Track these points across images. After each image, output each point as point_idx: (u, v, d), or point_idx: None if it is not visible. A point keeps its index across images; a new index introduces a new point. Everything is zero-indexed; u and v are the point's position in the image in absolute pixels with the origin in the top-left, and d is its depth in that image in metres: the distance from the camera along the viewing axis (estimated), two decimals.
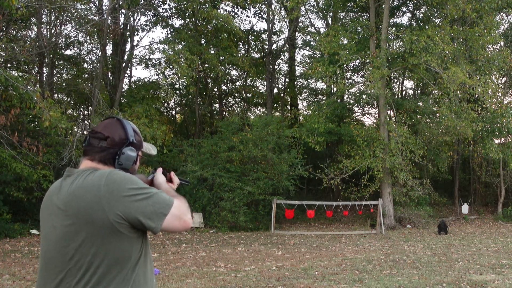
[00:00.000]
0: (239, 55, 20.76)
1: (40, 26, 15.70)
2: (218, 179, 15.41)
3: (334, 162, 18.48)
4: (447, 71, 14.93)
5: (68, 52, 19.66)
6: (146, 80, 21.07)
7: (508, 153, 17.85)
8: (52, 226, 1.66)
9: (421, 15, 20.80)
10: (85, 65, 20.54)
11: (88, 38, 18.83)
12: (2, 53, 12.74)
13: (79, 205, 1.59)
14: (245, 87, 23.87)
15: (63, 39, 17.84)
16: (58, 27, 17.68)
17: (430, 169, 19.90)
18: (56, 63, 18.71)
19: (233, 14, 20.29)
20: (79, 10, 16.48)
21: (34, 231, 13.04)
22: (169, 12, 19.74)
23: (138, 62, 20.48)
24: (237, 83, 24.45)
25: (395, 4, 20.14)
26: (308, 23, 24.75)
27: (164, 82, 18.04)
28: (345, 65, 18.52)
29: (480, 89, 15.52)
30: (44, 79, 16.92)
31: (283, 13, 22.24)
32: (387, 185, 16.65)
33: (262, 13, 22.09)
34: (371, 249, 10.97)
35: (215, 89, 23.32)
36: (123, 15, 16.67)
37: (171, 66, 16.96)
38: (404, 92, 24.38)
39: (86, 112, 21.85)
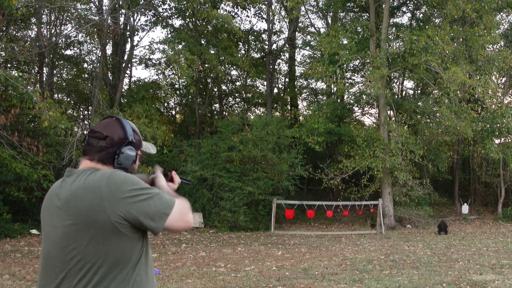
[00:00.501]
0: (239, 55, 20.75)
1: (40, 26, 15.70)
2: (218, 179, 15.41)
3: (334, 162, 18.49)
4: (447, 71, 14.93)
5: (68, 52, 19.71)
6: (146, 80, 21.10)
7: (508, 153, 17.84)
8: (53, 227, 1.66)
9: (421, 15, 20.80)
10: (85, 65, 20.58)
11: (88, 38, 18.85)
12: (2, 53, 12.75)
13: (80, 206, 1.59)
14: (245, 87, 23.87)
15: (63, 39, 17.85)
16: (58, 27, 17.70)
17: (430, 169, 19.90)
18: (56, 63, 18.72)
19: (233, 14, 20.30)
20: (79, 10, 16.50)
21: (34, 231, 13.04)
22: (169, 12, 19.76)
23: (138, 62, 20.50)
24: (237, 83, 24.46)
25: (395, 4, 20.14)
26: (308, 23, 24.78)
27: (164, 82, 18.04)
28: (345, 65, 18.52)
29: (480, 89, 15.52)
30: (44, 79, 16.92)
31: (283, 13, 22.25)
32: (387, 185, 16.65)
33: (262, 13, 22.10)
34: (371, 249, 10.97)
35: (215, 89, 23.32)
36: (123, 15, 16.67)
37: (171, 66, 16.95)
38: (404, 92, 24.39)
39: (86, 112, 21.87)
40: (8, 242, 11.62)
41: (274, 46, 22.90)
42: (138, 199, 1.57)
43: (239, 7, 19.92)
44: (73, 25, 17.32)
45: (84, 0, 16.19)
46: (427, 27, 16.78)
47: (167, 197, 1.63)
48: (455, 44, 16.99)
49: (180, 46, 17.20)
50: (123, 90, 18.48)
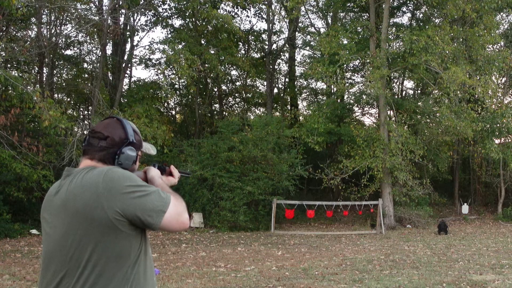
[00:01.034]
0: (239, 55, 20.75)
1: (40, 26, 15.70)
2: (218, 179, 15.41)
3: (334, 162, 18.48)
4: (447, 71, 14.93)
5: (68, 52, 19.71)
6: (146, 80, 21.10)
7: (508, 153, 17.84)
8: (53, 226, 1.66)
9: (421, 15, 20.81)
10: (85, 65, 20.57)
11: (88, 38, 18.85)
12: (2, 53, 12.74)
13: (78, 203, 1.59)
14: (245, 87, 23.87)
15: (63, 39, 17.86)
16: (58, 27, 17.71)
17: (430, 169, 19.90)
18: (56, 63, 18.72)
19: (233, 14, 20.30)
20: (79, 10, 16.49)
21: (34, 231, 13.04)
22: (169, 12, 19.77)
23: (138, 62, 20.51)
24: (237, 83, 24.46)
25: (395, 4, 20.14)
26: (308, 23, 24.77)
27: (165, 82, 18.04)
28: (345, 65, 18.52)
29: (480, 89, 15.52)
30: (44, 79, 16.92)
31: (283, 13, 22.25)
32: (387, 185, 16.65)
33: (262, 13, 22.10)
34: (371, 249, 10.97)
35: (215, 89, 23.33)
36: (123, 15, 16.67)
37: (171, 66, 16.96)
38: (404, 92, 24.40)
39: (86, 112, 21.86)
40: (8, 242, 11.62)
41: (274, 46, 22.91)
42: (135, 195, 1.58)
43: (239, 7, 19.92)
44: (73, 25, 17.32)
45: (84, 0, 16.19)
46: (427, 27, 16.78)
47: (163, 195, 1.63)
48: (455, 44, 16.99)
49: (180, 46, 17.19)
50: (123, 90, 18.48)
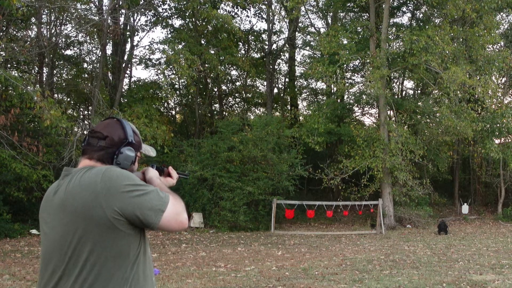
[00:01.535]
0: (239, 55, 20.75)
1: (40, 26, 15.70)
2: (218, 179, 15.41)
3: (334, 162, 18.48)
4: (447, 71, 14.93)
5: (68, 52, 19.70)
6: (146, 80, 21.10)
7: (508, 153, 17.84)
8: (51, 226, 1.66)
9: (421, 15, 20.80)
10: (85, 65, 20.57)
11: (88, 38, 18.85)
12: (2, 53, 12.74)
13: (76, 203, 1.59)
14: (245, 87, 23.88)
15: (63, 39, 17.85)
16: (58, 27, 17.71)
17: (430, 169, 19.90)
18: (56, 63, 18.71)
19: (233, 14, 20.30)
20: (79, 10, 16.49)
21: (34, 231, 13.04)
22: (169, 12, 19.76)
23: (138, 62, 20.51)
24: (237, 83, 24.47)
25: (395, 4, 20.13)
26: (308, 23, 24.77)
27: (165, 82, 18.04)
28: (345, 65, 18.52)
29: (480, 89, 15.52)
30: (44, 79, 16.93)
31: (283, 13, 22.24)
32: (387, 185, 16.65)
33: (262, 13, 22.10)
34: (371, 249, 10.97)
35: (215, 89, 23.33)
36: (123, 15, 16.66)
37: (171, 66, 16.97)
38: (404, 92, 24.39)
39: (86, 112, 21.86)
40: (8, 242, 11.62)
41: (274, 46, 22.91)
42: (134, 194, 1.57)
43: (239, 7, 19.92)
44: (73, 25, 17.32)
45: (84, 0, 16.19)
46: (427, 27, 16.78)
47: (162, 194, 1.63)
48: (455, 44, 16.98)
49: (180, 46, 17.20)
50: (123, 90, 18.48)
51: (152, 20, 19.51)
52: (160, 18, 19.42)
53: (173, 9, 19.55)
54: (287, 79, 25.16)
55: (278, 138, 17.14)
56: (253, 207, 15.78)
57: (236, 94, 25.10)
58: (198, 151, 16.81)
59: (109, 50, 19.01)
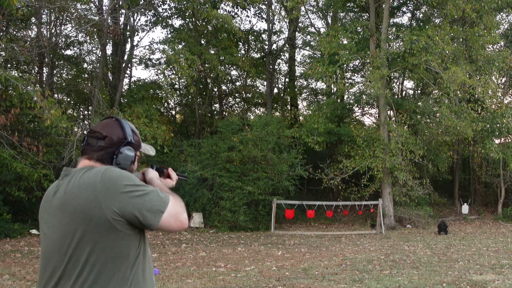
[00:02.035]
0: (239, 55, 20.75)
1: (40, 26, 15.70)
2: (218, 179, 15.41)
3: (334, 162, 18.48)
4: (447, 71, 14.93)
5: (68, 52, 19.69)
6: (146, 80, 21.10)
7: (508, 153, 17.84)
8: (51, 226, 1.66)
9: (421, 15, 20.80)
10: (85, 65, 20.56)
11: (88, 38, 18.84)
12: (2, 53, 12.74)
13: (76, 203, 1.59)
14: (245, 87, 23.87)
15: (63, 39, 17.85)
16: (58, 27, 17.69)
17: (430, 169, 19.90)
18: (56, 63, 18.70)
19: (233, 14, 20.31)
20: (79, 10, 16.49)
21: (34, 231, 13.04)
22: (169, 12, 19.76)
23: (138, 62, 20.50)
24: (237, 83, 24.46)
25: (395, 4, 20.13)
26: (308, 23, 24.77)
27: (165, 82, 18.04)
28: (345, 65, 18.51)
29: (480, 89, 15.52)
30: (44, 79, 16.92)
31: (283, 13, 22.25)
32: (387, 185, 16.65)
33: (262, 13, 22.10)
34: (371, 249, 10.97)
35: (215, 89, 23.32)
36: (123, 15, 16.67)
37: (171, 66, 16.97)
38: (404, 92, 24.40)
39: (86, 112, 21.85)
40: (8, 242, 11.62)
41: (274, 46, 22.91)
42: (133, 194, 1.57)
43: (239, 7, 19.93)
44: (73, 25, 17.32)
45: (84, 0, 16.19)
46: (427, 27, 16.78)
47: (162, 194, 1.63)
48: (455, 44, 16.98)
49: (180, 46, 17.20)
50: (123, 90, 18.48)
51: (152, 20, 19.51)
52: (160, 18, 19.42)
53: (173, 9, 19.55)
54: (287, 79, 25.16)
55: (278, 138, 17.14)
56: (253, 207, 15.78)
57: (236, 94, 25.10)
58: (198, 151, 16.81)
59: (109, 50, 19.04)
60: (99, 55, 17.46)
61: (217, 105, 24.60)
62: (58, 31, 17.52)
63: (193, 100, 21.79)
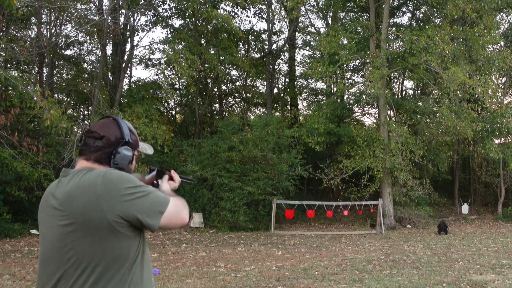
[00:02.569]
0: (239, 55, 20.74)
1: (40, 26, 15.69)
2: (218, 179, 15.41)
3: (334, 162, 18.47)
4: (447, 71, 14.93)
5: (68, 52, 19.68)
6: (146, 80, 21.09)
7: (508, 153, 17.83)
8: (50, 227, 1.66)
9: (421, 15, 20.79)
10: (85, 65, 20.56)
11: (88, 38, 18.84)
12: (2, 53, 12.74)
13: (76, 205, 1.58)
14: (245, 87, 23.87)
15: (63, 39, 17.84)
16: (58, 27, 17.69)
17: (430, 169, 19.89)
18: (56, 63, 18.70)
19: (233, 14, 20.31)
20: (79, 10, 16.48)
21: (34, 231, 13.04)
22: (169, 12, 19.76)
23: (138, 62, 20.49)
24: (237, 83, 24.46)
25: (395, 4, 20.13)
26: (308, 23, 24.76)
27: (165, 82, 18.04)
28: (345, 65, 18.51)
29: (480, 89, 15.52)
30: (44, 79, 16.92)
31: (283, 13, 22.25)
32: (387, 185, 16.65)
33: (262, 13, 22.10)
34: (371, 249, 10.97)
35: (215, 89, 23.32)
36: (123, 15, 16.66)
37: (171, 66, 16.96)
38: (404, 92, 24.39)
39: (86, 112, 21.86)
40: (8, 242, 11.62)
41: (274, 46, 22.91)
42: (134, 196, 1.57)
43: (239, 7, 19.92)
44: (73, 25, 17.31)
45: (84, 0, 16.18)
46: (427, 27, 16.78)
47: (162, 194, 1.64)
48: (455, 44, 16.98)
49: (180, 46, 17.20)
50: (123, 90, 18.47)
51: (152, 20, 19.51)
52: (160, 18, 19.42)
53: (173, 9, 19.55)
54: (287, 79, 25.16)
55: (278, 138, 17.14)
56: (253, 207, 15.78)
57: (236, 94, 25.10)
58: (198, 151, 16.81)
59: (109, 50, 19.03)
60: (99, 55, 17.46)
61: (217, 105, 24.61)
62: (58, 31, 17.52)
63: (193, 100, 21.79)
